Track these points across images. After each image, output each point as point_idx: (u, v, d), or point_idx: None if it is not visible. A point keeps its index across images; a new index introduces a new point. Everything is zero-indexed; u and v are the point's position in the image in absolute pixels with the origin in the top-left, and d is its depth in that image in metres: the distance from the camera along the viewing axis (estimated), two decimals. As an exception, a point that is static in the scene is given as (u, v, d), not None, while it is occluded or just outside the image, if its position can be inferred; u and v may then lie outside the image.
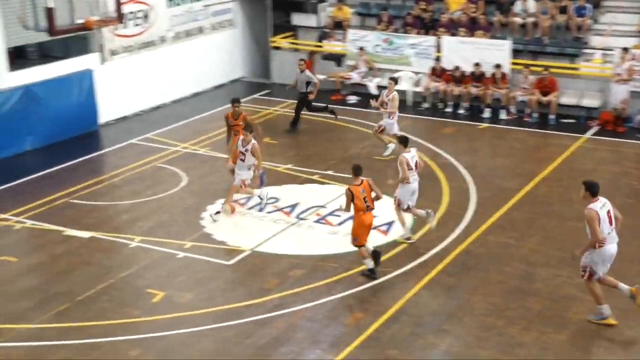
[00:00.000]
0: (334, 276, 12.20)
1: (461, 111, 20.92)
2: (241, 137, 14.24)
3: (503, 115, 20.36)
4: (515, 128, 19.54)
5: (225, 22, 23.69)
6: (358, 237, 12.00)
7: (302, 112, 19.42)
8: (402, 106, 21.31)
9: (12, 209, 14.51)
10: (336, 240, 13.50)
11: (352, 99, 22.08)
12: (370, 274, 12.07)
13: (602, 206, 10.32)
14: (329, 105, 19.72)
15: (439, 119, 20.56)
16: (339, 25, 23.64)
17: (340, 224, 14.07)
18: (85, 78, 19.02)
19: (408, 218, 13.52)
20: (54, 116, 18.11)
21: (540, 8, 21.63)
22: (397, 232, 13.55)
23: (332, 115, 19.34)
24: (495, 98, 20.58)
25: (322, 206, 14.78)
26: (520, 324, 10.82)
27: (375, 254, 12.20)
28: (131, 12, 20.13)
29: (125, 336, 10.57)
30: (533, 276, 12.12)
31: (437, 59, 21.55)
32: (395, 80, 17.84)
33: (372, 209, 11.98)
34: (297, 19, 24.36)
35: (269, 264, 12.65)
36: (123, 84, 20.04)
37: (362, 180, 11.89)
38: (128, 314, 11.11)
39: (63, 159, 17.11)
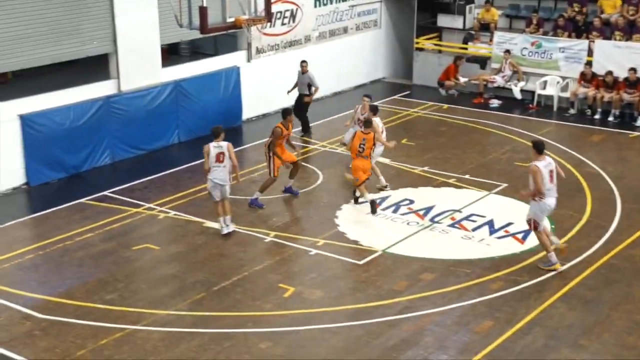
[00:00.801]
0: (466, 282, 11.97)
1: (611, 118, 19.99)
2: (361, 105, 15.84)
3: (657, 124, 19.35)
4: (670, 138, 18.50)
5: (370, 23, 23.77)
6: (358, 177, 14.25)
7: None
8: (549, 111, 20.80)
9: (156, 199, 15.16)
10: (470, 245, 13.25)
11: (495, 102, 21.59)
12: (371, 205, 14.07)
13: (546, 164, 11.82)
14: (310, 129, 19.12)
15: (587, 126, 19.75)
16: (485, 27, 23.18)
17: (474, 229, 13.79)
18: (232, 75, 19.61)
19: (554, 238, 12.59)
20: (200, 111, 18.78)
21: None
22: (534, 241, 13.13)
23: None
24: (649, 106, 19.56)
25: (458, 210, 14.54)
26: (665, 346, 10.25)
27: (372, 203, 14.22)
28: (279, 12, 20.58)
29: (256, 328, 10.80)
30: (681, 295, 11.43)
31: (588, 64, 20.70)
32: (370, 98, 16.46)
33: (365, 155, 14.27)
34: (443, 20, 24.08)
35: (400, 266, 12.58)
36: (267, 81, 20.50)
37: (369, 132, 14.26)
38: (260, 307, 11.35)
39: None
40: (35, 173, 15.75)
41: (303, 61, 19.04)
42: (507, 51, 21.76)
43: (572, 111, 20.66)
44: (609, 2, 21.98)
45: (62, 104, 16.23)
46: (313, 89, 18.97)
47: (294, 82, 19.25)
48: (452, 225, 13.99)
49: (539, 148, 12.06)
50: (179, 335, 10.67)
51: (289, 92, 19.32)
